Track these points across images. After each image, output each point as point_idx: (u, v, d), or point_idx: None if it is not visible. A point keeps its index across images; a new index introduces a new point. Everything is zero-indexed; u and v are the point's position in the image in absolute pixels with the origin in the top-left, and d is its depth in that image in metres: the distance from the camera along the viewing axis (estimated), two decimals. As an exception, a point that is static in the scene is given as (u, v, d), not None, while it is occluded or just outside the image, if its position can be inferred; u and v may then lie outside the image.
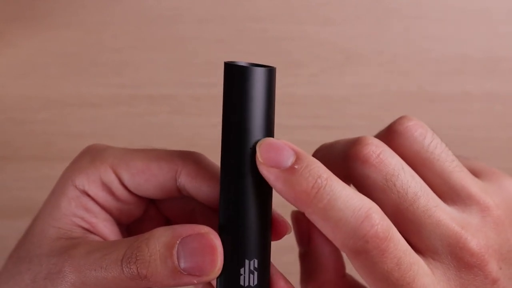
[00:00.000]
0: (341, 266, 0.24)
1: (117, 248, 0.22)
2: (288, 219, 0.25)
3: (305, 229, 0.24)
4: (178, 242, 0.22)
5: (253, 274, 0.23)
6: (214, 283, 0.24)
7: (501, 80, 0.49)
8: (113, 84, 0.47)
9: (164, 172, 0.24)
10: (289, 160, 0.21)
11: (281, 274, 0.24)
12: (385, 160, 0.22)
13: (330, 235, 0.21)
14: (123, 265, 0.22)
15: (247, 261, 0.22)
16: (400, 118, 0.24)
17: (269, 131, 0.23)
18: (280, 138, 0.22)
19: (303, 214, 0.22)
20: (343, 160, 0.23)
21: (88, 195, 0.25)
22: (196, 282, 0.22)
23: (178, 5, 0.48)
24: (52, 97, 0.47)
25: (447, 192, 0.23)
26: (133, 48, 0.47)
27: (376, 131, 0.27)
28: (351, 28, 0.48)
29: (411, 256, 0.21)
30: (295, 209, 0.24)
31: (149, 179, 0.24)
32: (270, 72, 0.22)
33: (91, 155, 0.25)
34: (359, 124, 0.48)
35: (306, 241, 0.24)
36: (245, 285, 0.22)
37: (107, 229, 0.25)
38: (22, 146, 0.47)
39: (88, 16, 0.47)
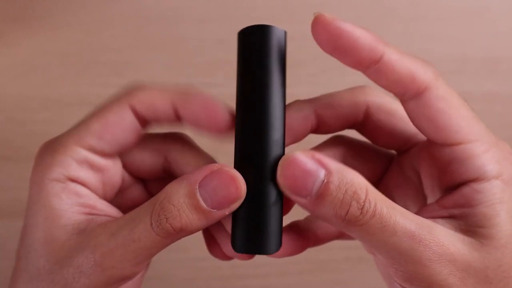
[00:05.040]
0: None
1: (139, 219, 0.22)
2: None
3: None
4: (197, 187, 0.22)
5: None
6: None
7: (501, 80, 0.49)
8: (113, 84, 0.47)
9: (126, 126, 0.25)
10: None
11: None
12: None
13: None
14: (155, 230, 0.22)
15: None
16: None
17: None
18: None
19: None
20: None
21: (71, 179, 0.24)
22: (228, 212, 0.23)
23: (178, 5, 0.47)
24: (52, 97, 0.47)
25: None
26: (133, 48, 0.47)
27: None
28: (351, 28, 0.48)
29: None
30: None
31: (113, 132, 0.25)
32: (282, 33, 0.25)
33: (49, 149, 0.25)
34: (359, 124, 0.48)
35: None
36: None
37: (104, 205, 0.25)
38: (22, 146, 0.46)
39: (88, 16, 0.47)
